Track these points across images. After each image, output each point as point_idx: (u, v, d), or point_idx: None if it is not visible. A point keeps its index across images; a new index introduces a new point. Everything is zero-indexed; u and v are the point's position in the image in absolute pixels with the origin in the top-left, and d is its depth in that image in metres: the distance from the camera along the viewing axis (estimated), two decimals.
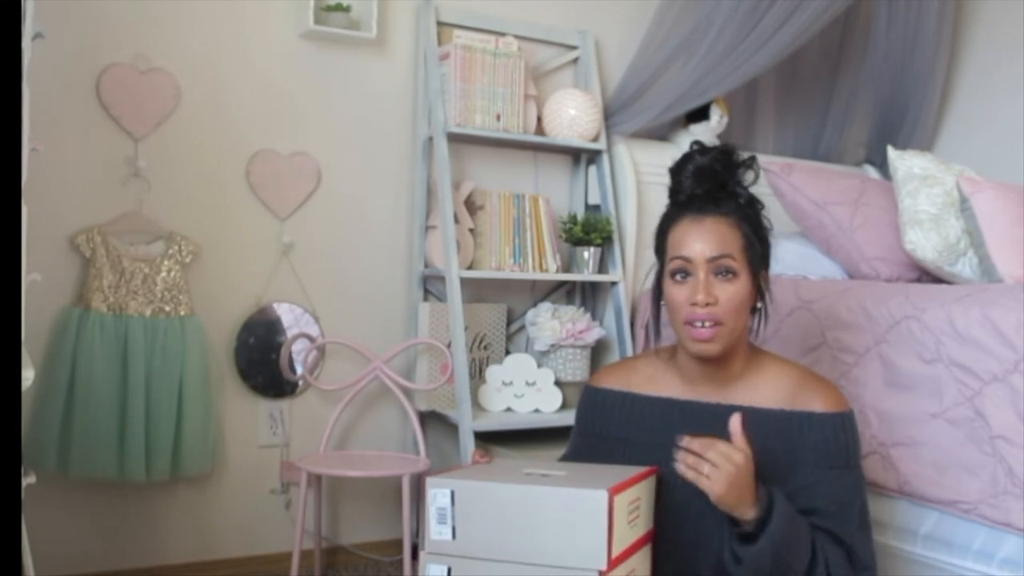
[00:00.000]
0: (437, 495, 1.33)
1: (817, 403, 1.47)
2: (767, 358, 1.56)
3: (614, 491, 1.25)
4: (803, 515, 1.41)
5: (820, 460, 1.44)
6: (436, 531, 1.34)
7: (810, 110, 3.37)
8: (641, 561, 1.38)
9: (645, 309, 2.70)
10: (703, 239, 1.46)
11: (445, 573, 1.33)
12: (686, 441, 1.34)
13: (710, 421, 1.50)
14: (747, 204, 1.51)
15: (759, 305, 1.53)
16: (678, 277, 1.48)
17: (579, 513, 1.25)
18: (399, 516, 2.39)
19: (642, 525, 1.38)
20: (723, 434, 1.49)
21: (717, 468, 1.31)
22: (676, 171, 1.54)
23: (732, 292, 1.45)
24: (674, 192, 1.55)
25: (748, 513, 1.33)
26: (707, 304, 1.43)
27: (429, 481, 1.35)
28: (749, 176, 1.52)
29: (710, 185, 1.49)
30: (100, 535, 2.35)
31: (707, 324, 1.44)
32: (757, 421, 1.48)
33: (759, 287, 1.51)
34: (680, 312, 1.47)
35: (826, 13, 2.75)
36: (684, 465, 1.33)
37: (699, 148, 1.54)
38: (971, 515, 1.78)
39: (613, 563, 1.25)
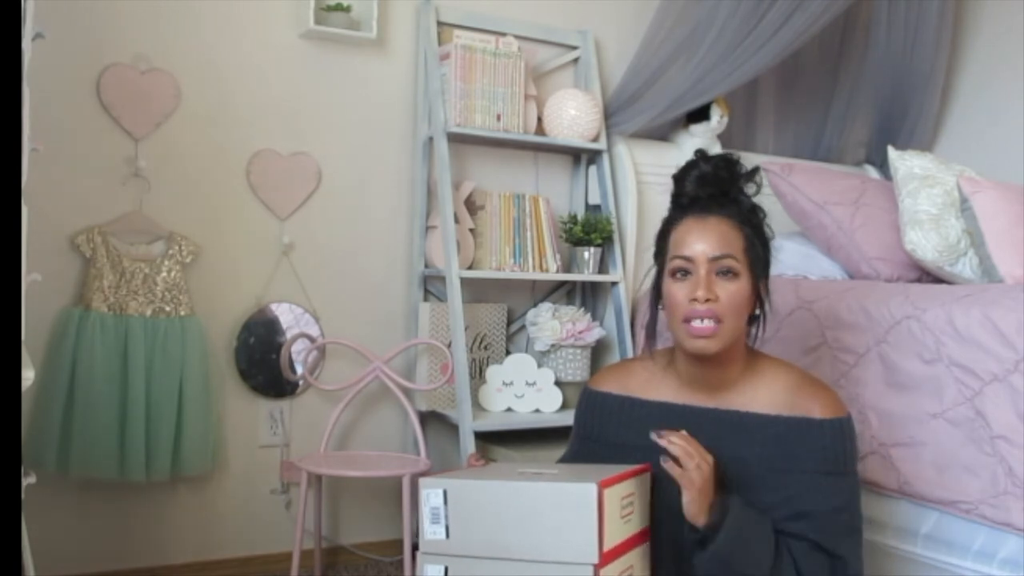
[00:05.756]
0: (430, 495, 1.34)
1: (815, 408, 1.47)
2: (765, 362, 1.55)
3: (604, 485, 1.26)
4: (794, 519, 1.41)
5: (817, 466, 1.43)
6: (430, 531, 1.35)
7: (810, 110, 3.37)
8: (638, 559, 1.38)
9: (645, 309, 2.70)
10: (705, 239, 1.46)
11: (442, 573, 1.34)
12: (664, 435, 1.37)
13: (708, 426, 1.50)
14: (749, 210, 1.51)
15: (758, 312, 1.53)
16: (679, 275, 1.48)
17: (570, 507, 1.26)
18: (399, 516, 2.39)
19: (637, 522, 1.38)
20: (723, 439, 1.49)
21: (700, 468, 1.35)
22: (679, 178, 1.54)
23: (733, 291, 1.45)
24: (676, 196, 1.55)
25: (701, 519, 1.36)
26: (707, 300, 1.43)
27: (422, 481, 1.36)
28: (751, 187, 1.53)
29: (713, 191, 1.50)
30: (100, 535, 2.35)
31: (707, 321, 1.44)
32: (754, 426, 1.48)
33: (759, 294, 1.50)
34: (680, 310, 1.46)
35: (826, 13, 2.75)
36: (671, 462, 1.36)
37: (702, 156, 1.54)
38: (971, 515, 1.78)
39: (606, 557, 1.25)
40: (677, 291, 1.47)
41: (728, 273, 1.45)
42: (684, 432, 1.40)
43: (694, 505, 1.35)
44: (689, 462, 1.35)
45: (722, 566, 1.36)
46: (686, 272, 1.47)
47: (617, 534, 1.30)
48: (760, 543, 1.38)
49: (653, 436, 1.38)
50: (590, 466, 1.49)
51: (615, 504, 1.30)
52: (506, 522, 1.30)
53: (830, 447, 1.44)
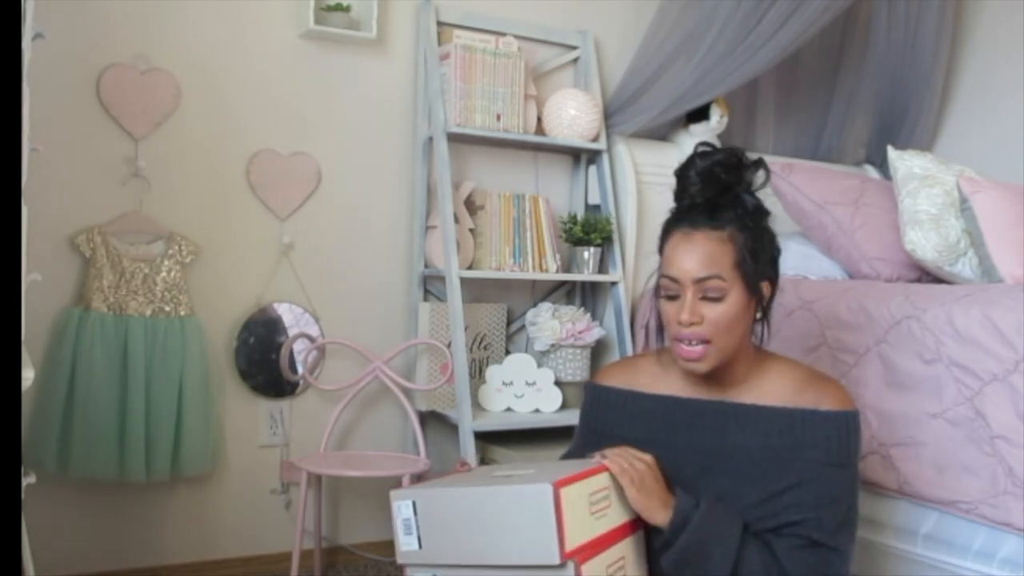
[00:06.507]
0: (401, 507, 1.38)
1: (824, 401, 1.46)
2: (771, 359, 1.55)
3: (560, 484, 1.25)
4: (794, 508, 1.41)
5: (820, 456, 1.43)
6: (404, 542, 1.38)
7: (810, 110, 3.37)
8: (630, 549, 1.38)
9: (645, 309, 2.70)
10: (691, 258, 1.44)
11: None
12: (599, 456, 1.42)
13: (712, 419, 1.51)
14: (749, 213, 1.48)
15: (758, 316, 1.52)
16: (668, 294, 1.48)
17: (528, 509, 1.26)
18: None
19: (618, 515, 1.37)
20: (727, 431, 1.49)
21: (633, 466, 1.39)
22: (681, 173, 1.51)
23: (720, 312, 1.44)
24: (678, 195, 1.52)
25: (655, 518, 1.38)
26: (692, 324, 1.44)
27: (393, 494, 1.40)
28: (760, 177, 1.50)
29: (714, 190, 1.47)
30: (100, 535, 2.35)
31: (694, 343, 1.45)
32: (758, 419, 1.48)
33: (760, 297, 1.49)
34: (670, 328, 1.49)
35: (826, 13, 2.75)
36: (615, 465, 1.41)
37: (703, 151, 1.50)
38: (971, 515, 1.78)
39: (573, 554, 1.25)
40: (667, 309, 1.48)
41: (714, 293, 1.44)
42: (621, 447, 1.44)
43: (639, 503, 1.38)
44: (622, 461, 1.39)
45: (680, 568, 1.38)
46: (674, 292, 1.47)
47: (587, 531, 1.29)
48: (722, 549, 1.38)
49: (596, 456, 1.43)
50: (568, 462, 1.49)
51: (580, 502, 1.29)
52: (472, 528, 1.31)
53: (834, 438, 1.44)
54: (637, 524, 1.41)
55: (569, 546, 1.24)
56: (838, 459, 1.44)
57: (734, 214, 1.47)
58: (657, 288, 1.54)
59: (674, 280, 1.46)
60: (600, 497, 1.34)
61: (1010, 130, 3.16)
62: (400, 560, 1.39)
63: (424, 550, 1.36)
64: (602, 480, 1.36)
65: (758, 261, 1.47)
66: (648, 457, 1.42)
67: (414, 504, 1.37)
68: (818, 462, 1.43)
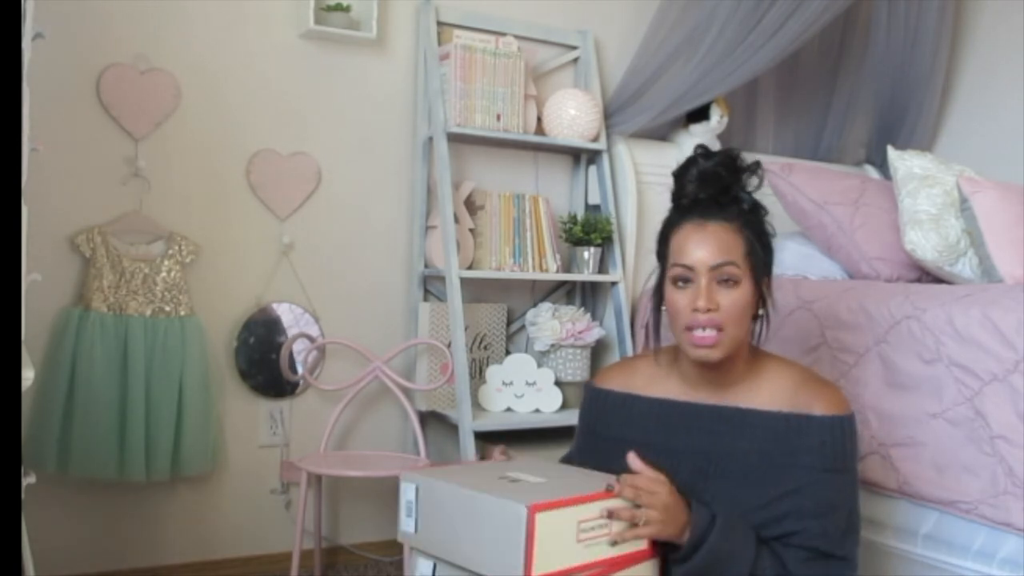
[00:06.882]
0: (407, 488, 1.39)
1: (817, 405, 1.46)
2: (768, 360, 1.55)
3: (538, 508, 1.21)
4: (794, 516, 1.41)
5: (816, 463, 1.43)
6: (404, 522, 1.40)
7: (810, 110, 3.37)
8: (646, 573, 1.36)
9: (645, 309, 2.70)
10: (705, 246, 1.45)
11: (431, 571, 1.37)
12: (616, 487, 1.32)
13: (709, 422, 1.51)
14: (750, 210, 1.49)
15: (760, 312, 1.52)
16: (680, 283, 1.47)
17: (502, 525, 1.24)
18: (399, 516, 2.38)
19: (623, 543, 1.33)
20: (724, 435, 1.49)
21: (650, 510, 1.32)
22: (679, 175, 1.52)
23: (734, 298, 1.44)
24: (677, 196, 1.53)
25: (680, 538, 1.35)
26: (708, 310, 1.43)
27: (403, 474, 1.40)
28: (754, 181, 1.51)
29: (714, 190, 1.48)
30: (100, 535, 2.35)
31: (708, 330, 1.44)
32: (755, 423, 1.48)
33: (761, 294, 1.50)
34: (681, 318, 1.46)
35: (826, 13, 2.75)
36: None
37: (703, 152, 1.51)
38: (971, 515, 1.78)
39: None
40: (678, 299, 1.47)
41: (729, 281, 1.44)
42: (630, 476, 1.35)
43: (664, 535, 1.34)
44: (641, 515, 1.32)
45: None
46: (687, 280, 1.46)
47: (568, 558, 1.25)
48: (739, 562, 1.37)
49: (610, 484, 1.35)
50: (585, 477, 1.44)
51: (564, 527, 1.25)
52: (456, 527, 1.31)
53: (828, 443, 1.44)
54: (654, 551, 1.37)
55: (536, 571, 1.21)
56: (834, 465, 1.43)
57: (739, 209, 1.48)
58: (657, 287, 1.54)
59: (688, 268, 1.45)
60: (598, 524, 1.30)
61: (1010, 130, 3.16)
62: (399, 537, 1.42)
63: (419, 535, 1.37)
64: (608, 504, 1.31)
65: (766, 252, 1.49)
66: (662, 480, 1.36)
67: (417, 488, 1.38)
68: (815, 468, 1.42)
